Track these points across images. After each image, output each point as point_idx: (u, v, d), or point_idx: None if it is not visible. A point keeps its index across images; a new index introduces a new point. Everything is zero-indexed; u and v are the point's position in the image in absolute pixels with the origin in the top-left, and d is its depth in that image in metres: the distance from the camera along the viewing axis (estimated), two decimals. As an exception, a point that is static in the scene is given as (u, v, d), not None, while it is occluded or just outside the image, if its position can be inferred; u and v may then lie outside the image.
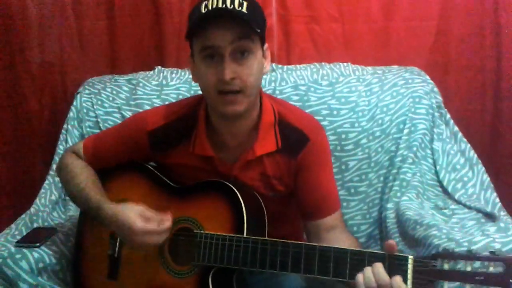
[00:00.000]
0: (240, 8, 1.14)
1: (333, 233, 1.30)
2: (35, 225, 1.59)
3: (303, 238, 1.46)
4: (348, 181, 1.81)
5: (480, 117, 2.08)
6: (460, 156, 1.79)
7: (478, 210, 1.59)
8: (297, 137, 1.31)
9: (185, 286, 1.25)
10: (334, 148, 1.78)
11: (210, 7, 1.14)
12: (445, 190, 1.75)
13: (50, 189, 1.77)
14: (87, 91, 1.91)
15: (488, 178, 1.72)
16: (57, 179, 1.71)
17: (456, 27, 2.02)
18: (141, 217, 1.20)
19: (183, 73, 1.96)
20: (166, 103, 1.81)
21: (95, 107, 1.88)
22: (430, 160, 1.81)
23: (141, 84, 1.91)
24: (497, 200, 1.65)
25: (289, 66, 1.97)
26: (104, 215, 1.26)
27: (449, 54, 2.05)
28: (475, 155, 1.78)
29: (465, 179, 1.74)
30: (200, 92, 1.29)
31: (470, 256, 0.99)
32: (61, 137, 1.88)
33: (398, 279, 1.03)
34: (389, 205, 1.74)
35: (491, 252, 0.98)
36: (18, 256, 1.39)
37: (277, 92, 1.86)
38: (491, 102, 2.06)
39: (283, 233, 1.28)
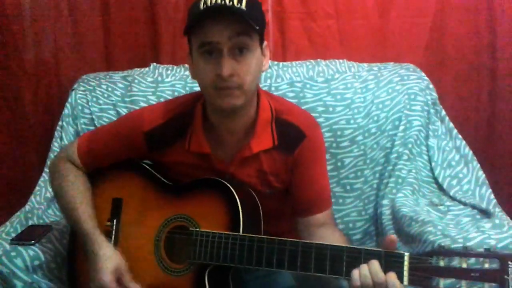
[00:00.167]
0: (239, 5, 1.14)
1: (324, 229, 1.31)
2: (30, 222, 1.59)
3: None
4: (344, 178, 1.81)
5: (475, 113, 2.09)
6: (455, 153, 1.79)
7: (473, 207, 1.60)
8: (293, 134, 1.31)
9: (181, 284, 1.25)
10: (329, 145, 1.79)
11: (209, 3, 1.14)
12: (440, 187, 1.76)
13: (45, 187, 1.76)
14: (82, 88, 1.89)
15: (483, 175, 1.73)
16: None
17: (451, 24, 2.02)
18: (114, 274, 1.24)
19: (178, 70, 1.96)
20: (162, 100, 1.81)
21: (90, 104, 1.87)
22: (426, 157, 1.82)
23: (136, 81, 1.90)
24: (492, 196, 1.66)
25: (285, 63, 1.97)
26: (87, 243, 1.29)
27: (445, 51, 2.05)
28: (470, 152, 1.78)
29: (460, 175, 1.75)
30: (196, 89, 1.29)
31: (466, 253, 0.99)
32: (56, 134, 1.87)
33: (392, 275, 1.03)
34: (385, 202, 1.74)
35: (486, 249, 0.99)
36: (13, 253, 1.39)
37: (273, 88, 1.86)
38: (486, 98, 2.07)
39: (279, 231, 1.28)
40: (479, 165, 1.75)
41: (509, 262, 0.96)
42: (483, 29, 2.01)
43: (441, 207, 1.64)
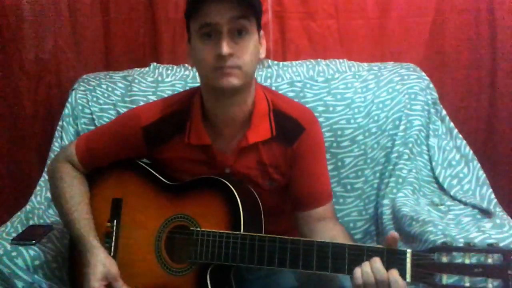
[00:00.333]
0: None
1: (324, 223, 1.30)
2: (31, 222, 1.59)
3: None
4: (344, 178, 1.81)
5: (475, 113, 2.09)
6: (455, 152, 1.79)
7: (474, 206, 1.59)
8: (292, 126, 1.32)
9: (183, 284, 1.24)
10: (330, 145, 1.79)
11: None
12: (441, 186, 1.76)
13: (45, 187, 1.75)
14: (82, 88, 1.89)
15: (484, 174, 1.73)
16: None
17: (451, 24, 2.02)
18: (104, 280, 1.25)
19: (178, 70, 1.96)
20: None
21: (90, 103, 1.87)
22: (426, 157, 1.82)
23: (136, 81, 1.90)
24: (493, 196, 1.66)
25: (285, 63, 1.97)
26: (80, 247, 1.31)
27: (445, 51, 2.05)
28: (471, 151, 1.78)
29: (461, 175, 1.74)
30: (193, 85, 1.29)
31: (469, 248, 0.99)
32: (56, 134, 1.87)
33: (394, 272, 1.03)
34: (385, 202, 1.74)
35: (489, 245, 0.98)
36: (13, 253, 1.39)
37: (273, 88, 1.85)
38: (486, 98, 2.07)
39: (280, 229, 1.28)
40: (479, 164, 1.75)
41: (513, 258, 0.95)
42: (483, 29, 2.01)
43: (441, 207, 1.64)
